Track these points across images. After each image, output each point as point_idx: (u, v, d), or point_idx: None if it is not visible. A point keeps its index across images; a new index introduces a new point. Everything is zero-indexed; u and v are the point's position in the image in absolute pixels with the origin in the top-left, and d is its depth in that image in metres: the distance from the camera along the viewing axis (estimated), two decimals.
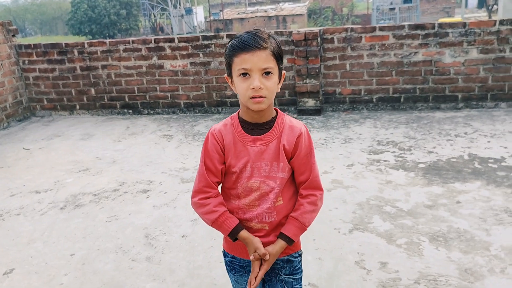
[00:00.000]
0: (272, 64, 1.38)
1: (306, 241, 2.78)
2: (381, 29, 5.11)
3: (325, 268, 2.52)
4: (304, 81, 5.32)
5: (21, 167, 4.43)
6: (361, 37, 5.16)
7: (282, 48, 5.26)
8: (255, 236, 1.50)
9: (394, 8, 36.23)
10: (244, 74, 1.37)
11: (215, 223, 1.49)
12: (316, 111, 5.39)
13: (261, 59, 1.35)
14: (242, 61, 1.36)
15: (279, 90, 1.46)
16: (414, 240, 2.73)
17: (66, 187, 3.88)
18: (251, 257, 1.48)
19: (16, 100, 6.07)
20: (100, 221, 3.25)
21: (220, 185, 1.57)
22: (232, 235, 1.49)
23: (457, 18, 30.69)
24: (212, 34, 5.62)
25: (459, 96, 5.19)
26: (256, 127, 1.48)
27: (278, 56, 1.40)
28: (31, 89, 6.21)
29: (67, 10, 50.46)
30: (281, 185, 1.49)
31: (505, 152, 3.95)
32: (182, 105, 5.88)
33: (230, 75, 1.45)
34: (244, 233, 1.49)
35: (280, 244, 1.50)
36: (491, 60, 5.00)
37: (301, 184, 1.53)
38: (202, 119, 5.65)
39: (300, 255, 1.62)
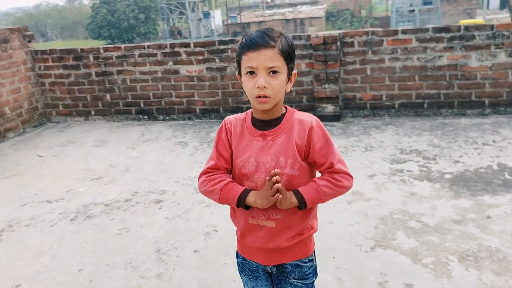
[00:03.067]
0: (279, 63, 1.36)
1: (325, 259, 2.62)
2: (404, 32, 4.91)
3: None
4: (323, 86, 5.14)
5: (33, 175, 4.35)
6: (382, 40, 4.97)
7: (300, 52, 5.06)
8: (261, 234, 1.49)
9: (413, 10, 35.73)
10: (251, 72, 1.37)
11: (224, 191, 1.46)
12: (335, 117, 5.21)
13: (267, 57, 1.34)
14: (248, 59, 1.36)
15: (288, 90, 1.45)
16: (442, 259, 2.54)
17: (78, 197, 3.78)
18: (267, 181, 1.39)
19: (32, 106, 6.04)
20: (110, 233, 3.14)
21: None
22: (240, 201, 1.45)
23: (478, 20, 30.05)
24: (229, 38, 5.51)
25: (486, 102, 4.95)
26: (264, 124, 1.47)
27: (287, 55, 1.38)
28: (47, 95, 6.17)
29: (87, 15, 51.13)
30: (288, 181, 1.45)
31: None
32: (198, 111, 5.77)
33: (240, 73, 1.45)
34: (250, 196, 1.44)
35: (292, 198, 1.44)
36: None
37: (326, 172, 1.49)
38: (218, 125, 5.50)
39: (311, 260, 1.59)
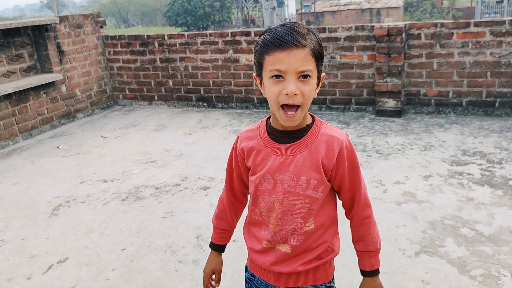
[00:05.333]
0: (311, 66, 1.15)
1: None
2: (477, 24, 4.56)
3: None
4: (385, 79, 4.92)
5: (95, 155, 4.59)
6: (452, 33, 4.65)
7: (363, 43, 4.88)
8: (273, 259, 1.34)
9: (502, 1, 33.19)
10: (277, 76, 1.15)
11: (214, 228, 1.57)
12: (396, 113, 4.97)
13: (298, 59, 1.13)
14: (275, 61, 1.14)
15: (315, 96, 1.24)
16: (493, 272, 2.35)
17: (132, 178, 3.93)
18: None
19: (101, 89, 6.36)
20: (156, 216, 3.23)
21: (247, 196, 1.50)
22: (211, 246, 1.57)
23: None
24: None
25: None
26: (284, 136, 1.26)
27: (318, 56, 1.17)
28: (115, 79, 6.46)
29: (166, 2, 52.86)
30: (310, 205, 1.27)
31: None
32: (255, 101, 5.77)
33: (259, 75, 1.23)
34: (210, 253, 1.57)
35: (368, 281, 1.39)
36: None
37: (348, 203, 1.34)
38: None
39: (329, 287, 1.39)
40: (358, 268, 1.42)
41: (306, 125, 1.26)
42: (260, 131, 1.31)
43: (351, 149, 1.27)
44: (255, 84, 5.59)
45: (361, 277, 1.42)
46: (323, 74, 1.25)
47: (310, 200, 1.26)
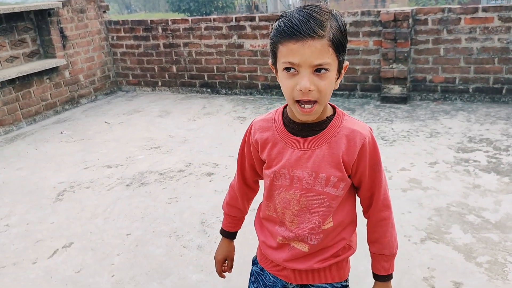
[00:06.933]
0: (328, 59, 1.02)
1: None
2: (485, 10, 4.49)
3: None
4: (391, 66, 4.87)
5: (99, 141, 4.58)
6: (460, 18, 4.58)
7: (369, 29, 4.81)
8: (288, 256, 1.26)
9: None
10: (289, 68, 1.04)
11: (224, 215, 1.52)
12: (402, 99, 4.93)
13: (314, 52, 1.00)
14: (288, 52, 1.02)
15: (337, 87, 1.12)
16: (499, 259, 2.34)
17: (136, 164, 3.92)
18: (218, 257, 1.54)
19: (104, 75, 6.32)
20: (160, 201, 3.23)
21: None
22: (222, 233, 1.53)
23: None
24: None
25: None
26: (302, 128, 1.16)
27: (339, 46, 1.04)
28: (118, 64, 6.42)
29: None
30: (329, 202, 1.18)
31: None
32: (260, 87, 5.72)
33: (275, 63, 1.11)
34: (221, 240, 1.54)
35: (380, 286, 1.28)
36: None
37: (366, 202, 1.25)
38: (278, 102, 5.44)
39: (345, 287, 1.30)
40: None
41: (326, 117, 1.16)
42: (275, 122, 1.20)
43: (374, 145, 1.17)
44: (260, 70, 5.56)
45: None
46: (346, 63, 1.12)
47: (329, 197, 1.17)
